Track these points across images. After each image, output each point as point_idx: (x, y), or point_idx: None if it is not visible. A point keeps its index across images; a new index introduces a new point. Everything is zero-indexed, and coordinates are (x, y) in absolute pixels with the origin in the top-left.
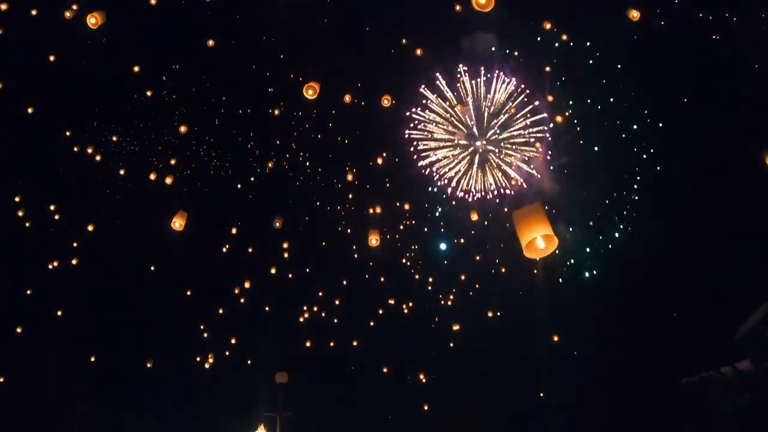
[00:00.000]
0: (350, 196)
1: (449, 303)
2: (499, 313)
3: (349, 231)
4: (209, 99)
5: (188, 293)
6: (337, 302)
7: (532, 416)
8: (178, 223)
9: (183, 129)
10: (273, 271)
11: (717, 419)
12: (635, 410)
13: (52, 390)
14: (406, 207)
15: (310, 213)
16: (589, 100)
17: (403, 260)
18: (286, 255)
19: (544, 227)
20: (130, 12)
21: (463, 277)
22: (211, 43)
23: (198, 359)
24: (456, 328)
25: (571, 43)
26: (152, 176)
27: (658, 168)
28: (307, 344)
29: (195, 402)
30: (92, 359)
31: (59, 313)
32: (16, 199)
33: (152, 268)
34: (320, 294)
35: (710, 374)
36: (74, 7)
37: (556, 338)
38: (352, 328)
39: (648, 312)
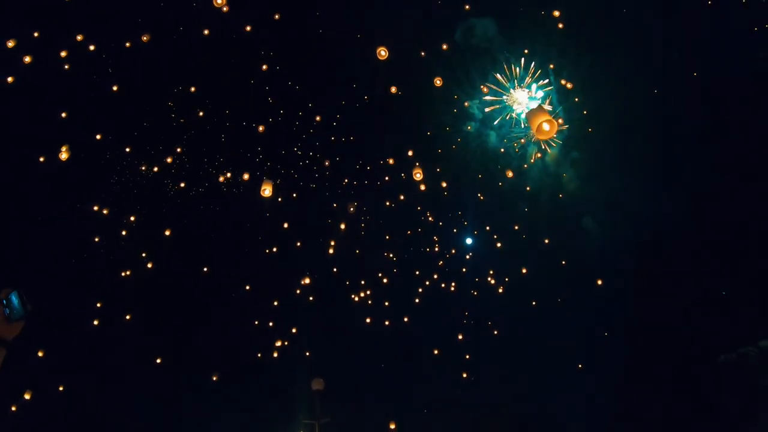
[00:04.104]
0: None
1: (491, 280)
2: (534, 303)
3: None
4: (267, 102)
5: (247, 288)
6: (385, 281)
7: (568, 390)
8: (267, 190)
9: (261, 128)
10: (331, 251)
11: (757, 394)
12: (672, 387)
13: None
14: (443, 185)
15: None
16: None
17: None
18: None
19: (546, 115)
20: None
21: (499, 245)
22: (264, 67)
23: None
24: (500, 290)
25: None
26: (221, 178)
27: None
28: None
29: (240, 407)
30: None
31: (128, 317)
32: (95, 208)
33: (205, 269)
34: (362, 282)
35: (749, 349)
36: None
37: (600, 281)
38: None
39: (686, 288)
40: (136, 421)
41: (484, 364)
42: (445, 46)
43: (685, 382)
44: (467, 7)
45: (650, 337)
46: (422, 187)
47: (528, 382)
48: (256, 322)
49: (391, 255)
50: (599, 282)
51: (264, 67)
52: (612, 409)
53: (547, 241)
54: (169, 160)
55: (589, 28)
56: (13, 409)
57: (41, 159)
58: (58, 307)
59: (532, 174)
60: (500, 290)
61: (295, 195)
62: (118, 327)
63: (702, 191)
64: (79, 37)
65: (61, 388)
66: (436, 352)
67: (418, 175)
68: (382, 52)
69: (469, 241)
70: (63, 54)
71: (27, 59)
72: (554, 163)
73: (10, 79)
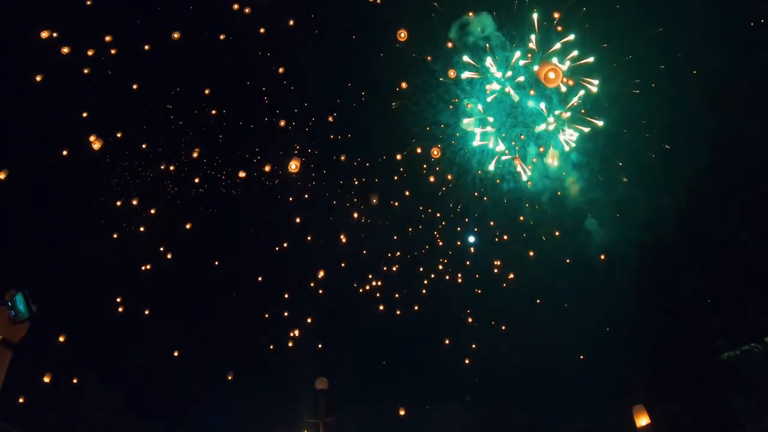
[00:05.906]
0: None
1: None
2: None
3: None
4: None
5: (260, 278)
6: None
7: (573, 381)
8: (294, 165)
9: (282, 123)
10: (343, 238)
11: (761, 391)
12: (678, 384)
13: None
14: (449, 177)
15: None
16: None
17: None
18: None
19: (553, 66)
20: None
21: (506, 237)
22: (281, 70)
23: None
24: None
25: None
26: (241, 173)
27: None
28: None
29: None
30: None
31: (146, 312)
32: (118, 204)
33: (216, 263)
34: (370, 277)
35: (752, 346)
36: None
37: (602, 279)
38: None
39: (688, 286)
40: (142, 415)
41: (488, 355)
42: (450, 45)
43: (688, 379)
44: (471, 14)
45: (653, 333)
46: (431, 179)
47: (530, 374)
48: (267, 315)
49: (397, 251)
50: (602, 279)
51: (281, 70)
52: (614, 404)
53: (557, 233)
54: (195, 154)
55: (590, 28)
56: (21, 400)
57: (64, 153)
58: (74, 301)
59: (534, 177)
60: (504, 285)
61: (306, 196)
62: (133, 322)
63: (703, 191)
64: (107, 38)
65: (75, 381)
66: (447, 341)
67: (435, 152)
68: (402, 34)
69: (471, 239)
70: (90, 53)
71: (65, 50)
72: (557, 164)
73: (38, 78)
